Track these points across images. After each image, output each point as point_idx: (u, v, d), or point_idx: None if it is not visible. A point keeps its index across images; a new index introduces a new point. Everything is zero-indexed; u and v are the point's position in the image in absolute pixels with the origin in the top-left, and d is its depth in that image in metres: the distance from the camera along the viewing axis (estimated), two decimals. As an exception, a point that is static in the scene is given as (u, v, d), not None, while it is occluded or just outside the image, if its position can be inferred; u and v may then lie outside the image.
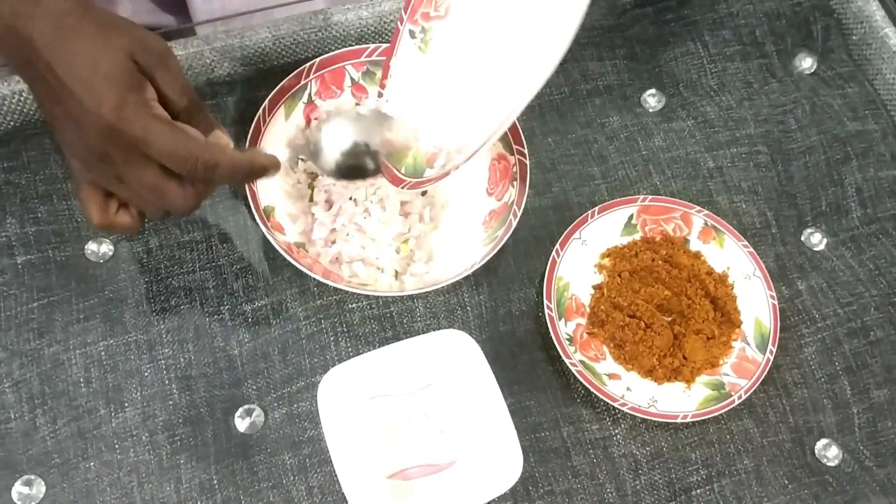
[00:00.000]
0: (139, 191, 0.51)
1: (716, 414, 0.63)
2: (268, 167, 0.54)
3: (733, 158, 0.75)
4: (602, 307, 0.66)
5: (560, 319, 0.65)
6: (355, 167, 0.59)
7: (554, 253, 0.67)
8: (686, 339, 0.66)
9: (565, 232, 0.67)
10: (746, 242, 0.69)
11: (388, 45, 0.68)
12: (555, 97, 0.75)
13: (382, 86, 0.66)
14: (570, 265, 0.67)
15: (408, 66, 0.65)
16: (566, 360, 0.62)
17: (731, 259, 0.69)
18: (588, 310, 0.67)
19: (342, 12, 0.73)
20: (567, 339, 0.64)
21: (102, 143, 0.49)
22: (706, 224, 0.69)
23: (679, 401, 0.64)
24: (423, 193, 0.68)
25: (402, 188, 0.63)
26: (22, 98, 0.67)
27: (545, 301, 0.64)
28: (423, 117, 0.65)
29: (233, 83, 0.71)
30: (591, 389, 0.62)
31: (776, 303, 0.67)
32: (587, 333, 0.66)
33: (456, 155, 0.62)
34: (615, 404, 0.62)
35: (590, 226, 0.68)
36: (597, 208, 0.68)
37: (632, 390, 0.64)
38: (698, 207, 0.70)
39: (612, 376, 0.64)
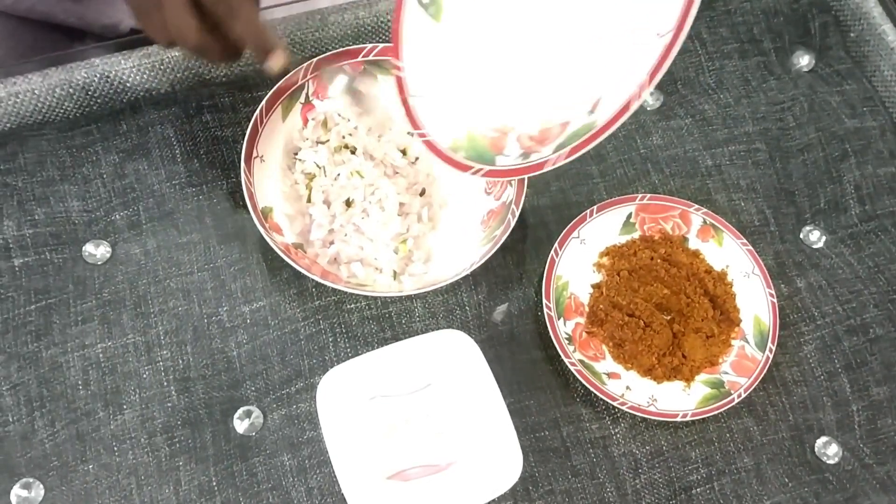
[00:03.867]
0: (167, 16, 0.53)
1: (715, 412, 0.63)
2: (275, 54, 0.57)
3: (731, 156, 0.75)
4: (601, 306, 0.66)
5: (559, 319, 0.65)
6: None
7: (553, 252, 0.66)
8: (685, 337, 0.65)
9: (564, 231, 0.67)
10: (745, 240, 0.69)
11: (385, 45, 0.68)
12: (552, 96, 0.75)
13: (397, 56, 0.61)
14: (568, 264, 0.67)
15: (419, 36, 0.61)
16: (565, 360, 0.62)
17: (730, 257, 0.69)
18: (587, 309, 0.67)
19: (339, 12, 0.73)
20: (566, 339, 0.64)
21: None
22: (705, 222, 0.69)
23: (679, 399, 0.64)
24: (422, 193, 0.67)
25: (476, 175, 0.60)
26: (18, 100, 0.67)
27: (544, 300, 0.64)
28: (452, 94, 0.61)
29: (230, 83, 0.71)
30: (591, 389, 0.62)
31: (775, 301, 0.67)
32: (586, 333, 0.66)
33: (540, 146, 0.59)
34: (615, 403, 0.62)
35: (588, 225, 0.68)
36: (595, 207, 0.68)
37: (631, 389, 0.64)
38: (697, 206, 0.69)
39: (611, 375, 0.64)
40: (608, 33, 0.58)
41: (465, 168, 0.62)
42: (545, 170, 0.58)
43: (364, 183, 0.65)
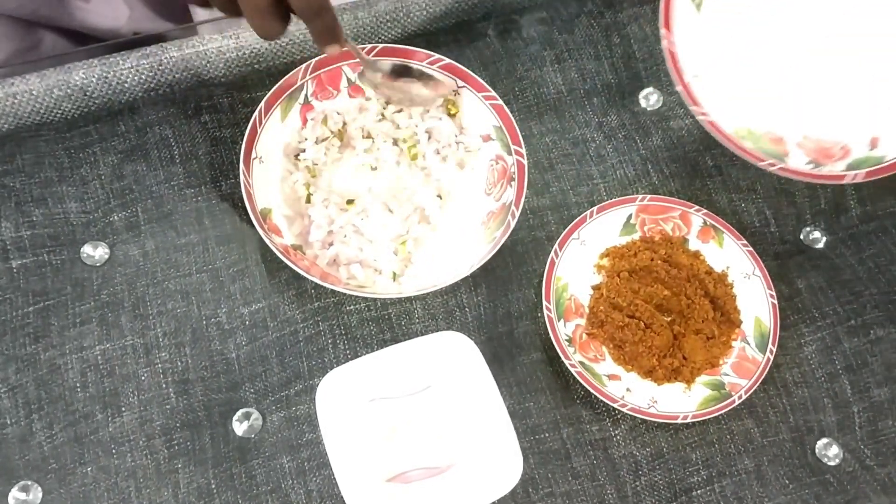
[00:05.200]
0: None
1: (716, 414, 0.62)
2: (337, 36, 0.56)
3: (732, 157, 0.75)
4: (601, 307, 0.66)
5: (559, 320, 0.65)
6: None
7: (552, 253, 0.66)
8: (686, 339, 0.65)
9: (564, 232, 0.67)
10: (745, 241, 0.68)
11: (385, 45, 0.68)
12: (552, 96, 0.75)
13: (667, 29, 0.63)
14: (568, 266, 0.67)
15: (683, 21, 0.63)
16: (566, 362, 0.62)
17: (731, 258, 0.68)
18: (587, 310, 0.67)
19: (339, 12, 0.72)
20: (566, 341, 0.64)
21: None
22: (705, 223, 0.69)
23: (679, 401, 0.64)
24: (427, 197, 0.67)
25: (769, 168, 0.62)
26: (17, 101, 0.66)
27: (544, 302, 0.64)
28: (726, 86, 0.62)
29: (229, 84, 0.71)
30: (591, 391, 0.62)
31: (776, 302, 0.66)
32: (586, 334, 0.66)
33: (826, 160, 0.61)
34: (615, 405, 0.62)
35: (588, 226, 0.68)
36: (595, 208, 0.68)
37: (631, 391, 0.64)
38: (697, 206, 0.69)
39: (611, 377, 0.64)
40: (887, 78, 0.62)
41: (757, 158, 0.62)
42: (844, 182, 0.60)
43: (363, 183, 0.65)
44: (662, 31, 0.63)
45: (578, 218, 0.68)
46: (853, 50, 0.65)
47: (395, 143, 0.67)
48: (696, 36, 0.65)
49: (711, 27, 0.65)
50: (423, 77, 0.65)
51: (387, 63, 0.65)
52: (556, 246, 0.67)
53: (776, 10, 0.66)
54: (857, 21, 0.65)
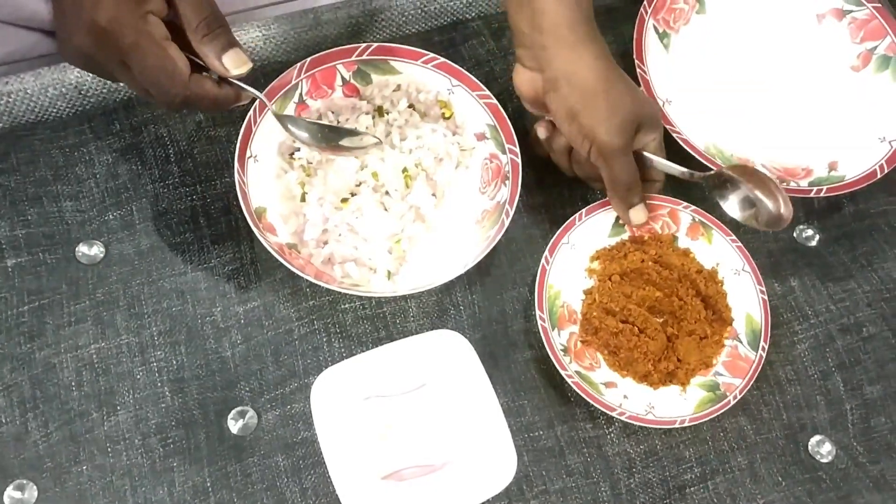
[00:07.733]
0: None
1: (713, 416, 0.62)
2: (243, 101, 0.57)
3: (725, 155, 0.75)
4: (594, 313, 0.66)
5: (553, 329, 0.64)
6: None
7: (543, 260, 0.65)
8: (679, 341, 0.65)
9: (553, 238, 0.66)
10: (735, 237, 0.68)
11: (379, 43, 0.68)
12: (547, 95, 0.75)
13: (641, 62, 0.73)
14: (560, 272, 0.66)
15: (654, 56, 0.74)
16: (562, 373, 0.61)
17: (720, 254, 0.68)
18: (580, 317, 0.66)
19: (332, 10, 0.72)
20: (561, 350, 0.64)
21: (90, 46, 0.49)
22: (694, 220, 0.69)
23: (676, 404, 0.63)
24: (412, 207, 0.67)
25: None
26: (11, 100, 0.66)
27: (538, 312, 0.63)
28: (693, 111, 0.73)
29: (223, 83, 0.71)
30: (590, 401, 0.61)
31: (766, 298, 0.66)
32: (581, 342, 0.66)
33: (790, 178, 0.71)
34: (613, 414, 0.61)
35: (578, 229, 0.67)
36: (584, 210, 0.67)
37: (628, 398, 0.63)
38: (685, 203, 0.69)
39: (608, 385, 0.64)
40: (839, 110, 0.76)
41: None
42: (810, 196, 0.70)
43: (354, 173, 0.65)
44: (636, 61, 0.73)
45: (567, 222, 0.67)
46: (806, 83, 0.77)
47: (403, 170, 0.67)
48: (667, 70, 0.74)
49: (679, 64, 0.76)
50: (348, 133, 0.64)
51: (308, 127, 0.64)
52: (546, 252, 0.65)
53: (737, 50, 0.78)
54: (807, 57, 0.78)
